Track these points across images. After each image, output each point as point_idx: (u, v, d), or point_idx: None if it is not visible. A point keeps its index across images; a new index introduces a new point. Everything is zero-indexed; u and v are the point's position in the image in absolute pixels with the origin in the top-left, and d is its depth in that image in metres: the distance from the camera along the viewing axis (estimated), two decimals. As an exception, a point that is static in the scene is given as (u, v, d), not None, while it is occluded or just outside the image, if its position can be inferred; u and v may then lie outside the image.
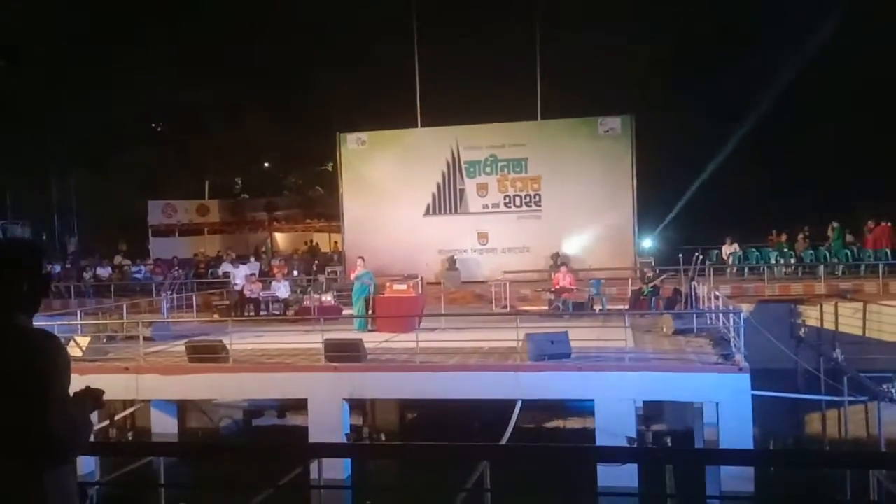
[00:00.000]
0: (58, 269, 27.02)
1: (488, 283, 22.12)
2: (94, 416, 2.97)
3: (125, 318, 17.47)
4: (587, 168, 24.69)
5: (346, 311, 18.13)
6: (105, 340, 15.48)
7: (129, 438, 14.89)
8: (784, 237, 24.57)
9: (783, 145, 27.73)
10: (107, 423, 13.23)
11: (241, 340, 13.98)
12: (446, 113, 25.31)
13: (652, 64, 30.00)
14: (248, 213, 36.17)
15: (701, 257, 18.20)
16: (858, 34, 26.14)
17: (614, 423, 11.36)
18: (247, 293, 19.66)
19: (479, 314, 19.61)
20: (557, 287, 18.87)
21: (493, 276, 22.55)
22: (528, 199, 25.10)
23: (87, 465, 9.65)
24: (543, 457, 3.08)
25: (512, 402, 12.19)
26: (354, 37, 32.14)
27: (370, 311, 16.88)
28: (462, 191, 25.37)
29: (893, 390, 12.08)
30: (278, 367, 13.10)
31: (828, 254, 22.96)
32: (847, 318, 18.91)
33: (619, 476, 8.50)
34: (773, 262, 23.34)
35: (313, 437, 12.10)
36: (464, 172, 25.33)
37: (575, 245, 24.56)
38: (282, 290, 20.06)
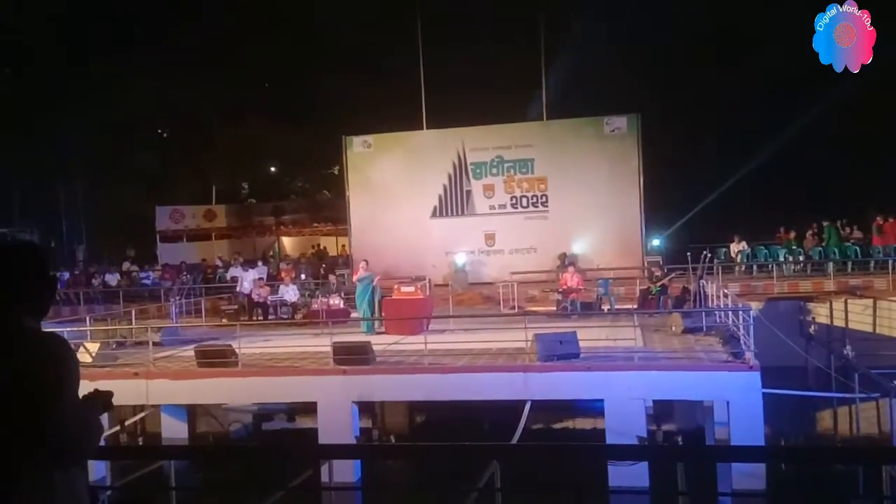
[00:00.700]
0: (67, 276, 27.14)
1: (496, 284, 22.11)
2: (104, 421, 2.98)
3: (134, 323, 17.55)
4: (594, 168, 24.60)
5: (353, 315, 18.14)
6: (114, 346, 15.51)
7: (140, 443, 14.93)
8: (792, 235, 24.48)
9: (792, 143, 27.59)
10: (117, 428, 13.24)
11: (250, 344, 13.96)
12: (452, 114, 25.26)
13: (658, 63, 29.95)
14: (255, 217, 36.15)
15: (709, 256, 18.11)
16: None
17: (624, 422, 11.30)
18: (255, 297, 19.69)
19: (487, 315, 19.54)
20: (565, 287, 18.82)
21: (501, 277, 22.53)
22: (534, 199, 25.03)
23: (98, 470, 9.66)
24: (553, 456, 3.06)
25: (521, 403, 12.14)
26: (359, 40, 32.17)
27: (375, 314, 16.89)
28: (468, 192, 25.32)
29: (904, 387, 12.02)
30: (287, 370, 13.08)
31: (836, 251, 22.84)
32: (857, 315, 18.81)
33: (629, 475, 8.47)
34: (781, 259, 23.25)
35: (323, 441, 12.07)
36: (470, 174, 25.29)
37: (582, 245, 24.48)
38: (290, 293, 20.07)
